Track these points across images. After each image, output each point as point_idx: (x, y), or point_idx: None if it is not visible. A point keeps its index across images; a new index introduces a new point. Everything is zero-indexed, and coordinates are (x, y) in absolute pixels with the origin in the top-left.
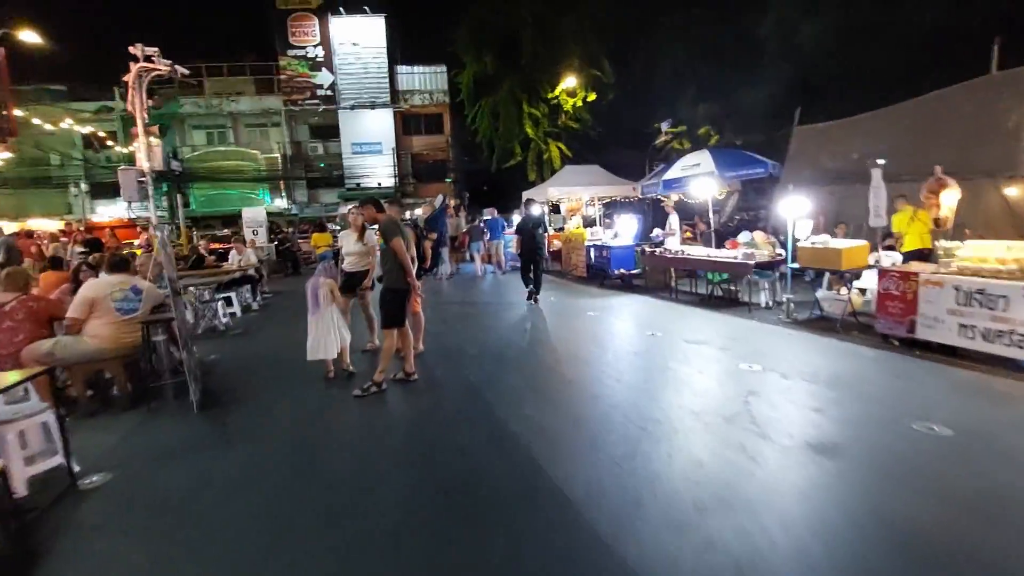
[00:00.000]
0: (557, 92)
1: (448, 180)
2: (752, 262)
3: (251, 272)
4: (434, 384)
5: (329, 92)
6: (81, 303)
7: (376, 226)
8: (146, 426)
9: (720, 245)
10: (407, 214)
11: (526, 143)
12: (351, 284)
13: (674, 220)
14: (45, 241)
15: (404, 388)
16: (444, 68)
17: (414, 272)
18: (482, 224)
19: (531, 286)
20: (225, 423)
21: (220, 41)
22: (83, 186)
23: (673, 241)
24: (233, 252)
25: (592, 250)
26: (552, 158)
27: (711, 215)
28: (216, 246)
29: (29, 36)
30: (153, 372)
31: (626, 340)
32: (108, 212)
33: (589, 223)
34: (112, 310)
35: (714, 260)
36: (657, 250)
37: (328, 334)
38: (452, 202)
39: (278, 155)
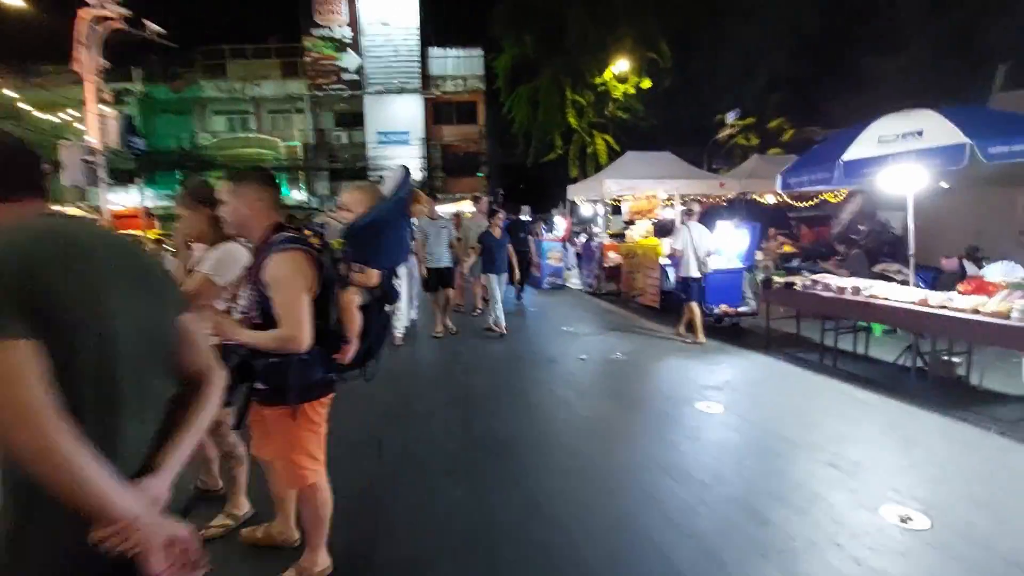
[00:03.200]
0: (606, 77)
1: (480, 175)
2: None
3: None
4: None
5: (356, 76)
6: None
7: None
8: None
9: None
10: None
11: (568, 135)
12: None
13: (684, 234)
14: None
15: None
16: (480, 52)
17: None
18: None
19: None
20: None
21: (246, 21)
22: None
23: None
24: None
25: (671, 272)
26: (598, 152)
27: (910, 220)
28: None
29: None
30: None
31: (852, 533)
32: (125, 200)
33: (663, 231)
34: None
35: (954, 317)
36: (798, 283)
37: None
38: (483, 199)
39: (299, 144)
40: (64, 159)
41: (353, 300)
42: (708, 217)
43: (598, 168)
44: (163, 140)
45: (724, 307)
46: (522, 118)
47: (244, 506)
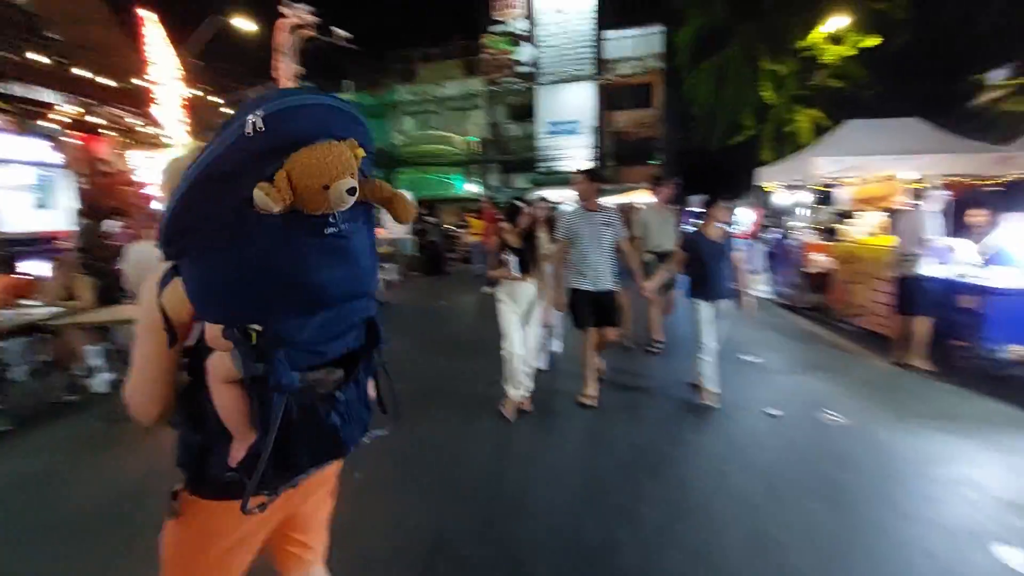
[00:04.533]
0: (814, 39)
1: (654, 162)
2: None
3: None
4: None
5: (530, 68)
6: None
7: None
8: None
9: None
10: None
11: (761, 112)
12: None
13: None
14: None
15: None
16: (660, 28)
17: None
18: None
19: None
20: None
21: (435, 27)
22: None
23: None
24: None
25: (915, 285)
26: (798, 130)
27: None
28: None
29: (243, 23)
30: None
31: None
32: None
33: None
34: None
35: None
36: None
37: None
38: (668, 184)
39: (474, 138)
40: None
41: (218, 367)
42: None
43: (798, 149)
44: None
45: (1019, 349)
46: (705, 97)
47: None
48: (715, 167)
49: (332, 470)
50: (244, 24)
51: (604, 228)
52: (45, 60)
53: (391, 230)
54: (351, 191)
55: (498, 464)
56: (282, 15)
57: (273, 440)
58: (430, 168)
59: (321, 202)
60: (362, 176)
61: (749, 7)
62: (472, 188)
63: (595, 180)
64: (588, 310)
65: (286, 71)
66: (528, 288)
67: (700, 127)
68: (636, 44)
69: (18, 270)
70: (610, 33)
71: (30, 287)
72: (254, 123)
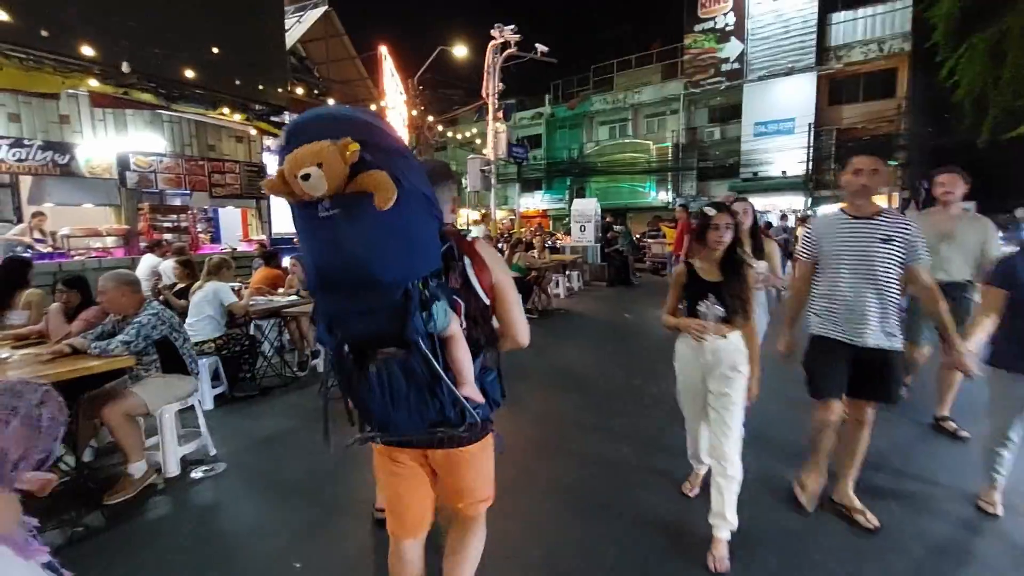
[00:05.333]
0: None
1: (894, 163)
2: None
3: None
4: None
5: (736, 65)
6: None
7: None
8: None
9: None
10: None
11: None
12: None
13: None
14: None
15: None
16: (904, 3)
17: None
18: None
19: None
20: None
21: (635, 33)
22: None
23: None
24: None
25: None
26: None
27: None
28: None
29: (460, 50)
30: None
31: None
32: (529, 203)
33: None
34: None
35: None
36: None
37: None
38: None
39: (668, 144)
40: (469, 170)
41: None
42: None
43: None
44: (559, 152)
45: None
46: (974, 80)
47: None
48: (981, 166)
49: (452, 459)
50: (461, 51)
51: (880, 246)
52: (301, 91)
53: (577, 238)
54: (304, 177)
55: (676, 517)
56: (492, 38)
57: (328, 387)
58: (622, 176)
59: (301, 190)
60: (367, 168)
61: None
62: (665, 196)
63: (884, 166)
64: (838, 371)
65: (492, 88)
66: (727, 345)
67: (964, 117)
68: (872, 25)
69: (282, 265)
70: (838, 16)
71: (281, 279)
72: (282, 138)
